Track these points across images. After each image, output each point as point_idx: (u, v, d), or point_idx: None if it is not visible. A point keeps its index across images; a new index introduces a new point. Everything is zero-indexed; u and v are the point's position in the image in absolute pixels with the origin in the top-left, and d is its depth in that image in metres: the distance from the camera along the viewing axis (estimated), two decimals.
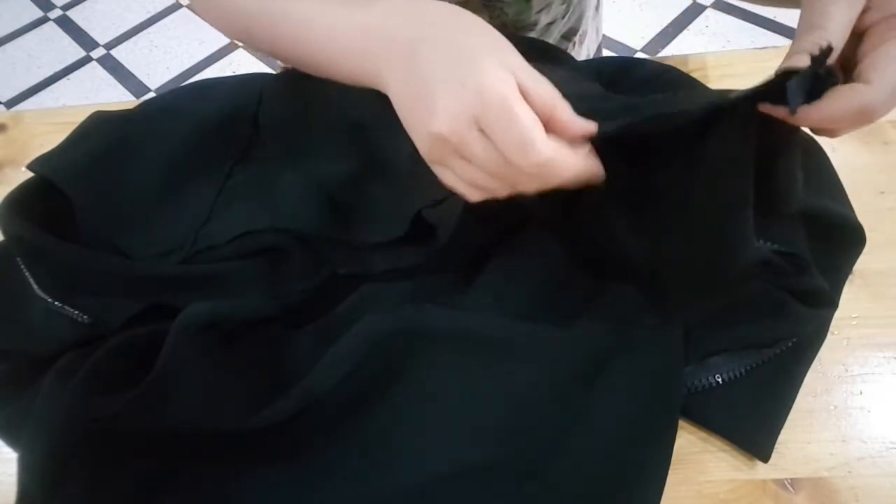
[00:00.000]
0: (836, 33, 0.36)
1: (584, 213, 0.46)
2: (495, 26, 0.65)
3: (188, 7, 2.39)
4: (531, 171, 0.37)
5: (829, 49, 0.35)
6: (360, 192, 0.53)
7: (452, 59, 0.37)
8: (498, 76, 0.36)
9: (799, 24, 0.37)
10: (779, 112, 0.36)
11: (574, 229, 0.48)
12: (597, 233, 0.47)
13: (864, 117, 0.34)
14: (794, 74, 0.35)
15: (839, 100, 0.35)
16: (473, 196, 0.41)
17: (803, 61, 0.35)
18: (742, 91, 0.36)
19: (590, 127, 0.38)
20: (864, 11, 0.36)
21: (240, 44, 2.23)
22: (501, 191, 0.39)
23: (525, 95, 0.36)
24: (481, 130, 0.36)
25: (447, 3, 0.41)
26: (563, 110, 0.37)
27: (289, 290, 0.52)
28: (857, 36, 0.37)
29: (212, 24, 0.54)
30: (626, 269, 0.48)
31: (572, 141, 0.38)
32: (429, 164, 0.42)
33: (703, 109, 0.37)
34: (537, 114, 0.36)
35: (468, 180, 0.40)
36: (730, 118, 0.37)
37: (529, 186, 0.39)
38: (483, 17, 0.63)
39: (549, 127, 0.37)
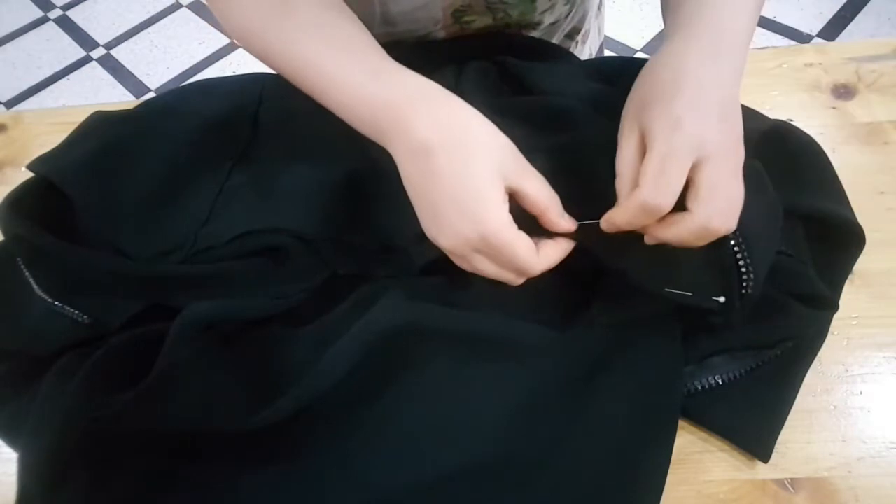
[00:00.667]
0: (625, 176, 0.43)
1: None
2: (499, 27, 0.65)
3: (188, 7, 2.39)
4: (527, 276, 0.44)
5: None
6: (360, 193, 0.53)
7: (460, 180, 0.42)
8: (500, 222, 0.41)
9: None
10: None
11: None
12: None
13: (648, 212, 0.40)
14: None
15: (626, 205, 0.42)
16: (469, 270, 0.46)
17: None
18: None
19: (571, 226, 0.45)
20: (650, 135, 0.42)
21: (240, 44, 2.23)
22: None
23: (523, 198, 0.43)
24: (482, 253, 0.43)
25: (461, 105, 0.44)
26: (555, 212, 0.44)
27: (289, 291, 0.52)
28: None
29: (230, 34, 0.55)
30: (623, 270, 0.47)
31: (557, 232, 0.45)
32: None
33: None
34: (531, 210, 0.44)
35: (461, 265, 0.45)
36: None
37: (519, 282, 0.45)
38: (487, 19, 0.63)
39: (541, 220, 0.44)
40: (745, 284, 0.44)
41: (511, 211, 0.42)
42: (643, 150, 0.42)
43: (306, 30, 0.48)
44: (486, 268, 0.44)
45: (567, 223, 0.44)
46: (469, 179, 0.42)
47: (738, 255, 0.44)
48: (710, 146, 0.40)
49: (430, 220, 0.44)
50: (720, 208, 0.40)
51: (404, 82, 0.46)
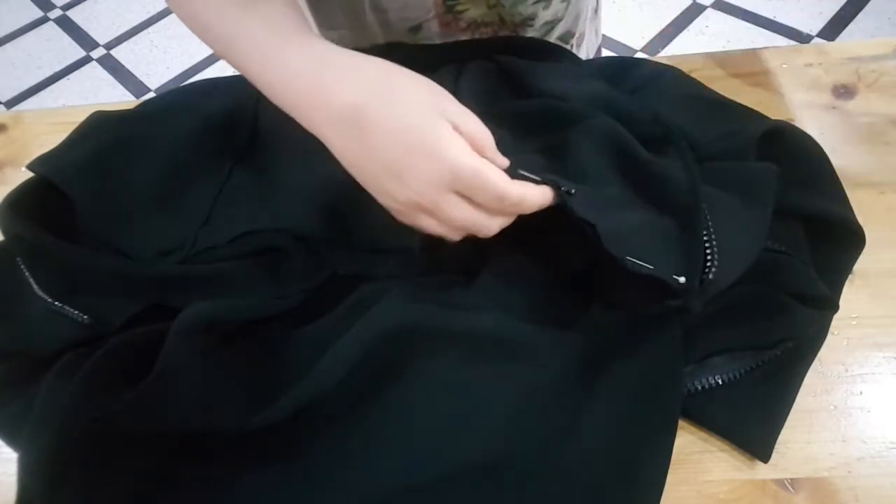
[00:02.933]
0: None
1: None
2: (493, 19, 0.65)
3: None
4: (508, 212, 0.42)
5: None
6: (360, 193, 0.53)
7: (404, 128, 0.39)
8: (457, 145, 0.40)
9: None
10: None
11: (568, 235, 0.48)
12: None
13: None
14: None
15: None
16: (449, 235, 0.44)
17: None
18: None
19: (504, 162, 0.43)
20: None
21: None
22: (473, 233, 0.44)
23: (462, 136, 0.41)
24: (457, 194, 0.40)
25: (374, 60, 0.42)
26: (491, 149, 0.42)
27: (289, 291, 0.52)
28: None
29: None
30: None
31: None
32: (396, 216, 0.44)
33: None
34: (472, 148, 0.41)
35: (447, 226, 0.43)
36: None
37: (505, 224, 0.44)
38: (480, 8, 0.63)
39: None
40: (707, 269, 0.44)
41: None
42: None
43: (230, 8, 0.46)
44: (459, 212, 0.41)
45: (503, 159, 0.43)
46: (413, 123, 0.39)
47: (706, 241, 0.44)
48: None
49: (388, 182, 0.41)
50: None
51: (311, 49, 0.43)
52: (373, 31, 0.66)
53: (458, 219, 0.42)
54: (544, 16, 0.67)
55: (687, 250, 0.45)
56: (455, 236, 0.44)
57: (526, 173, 0.44)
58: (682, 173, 0.49)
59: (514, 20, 0.66)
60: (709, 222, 0.46)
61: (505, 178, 0.41)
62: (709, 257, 0.45)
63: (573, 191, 0.44)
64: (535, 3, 0.65)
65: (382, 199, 0.43)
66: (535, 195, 0.43)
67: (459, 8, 0.63)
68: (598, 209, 0.45)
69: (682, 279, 0.44)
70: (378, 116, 0.40)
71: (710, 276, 0.44)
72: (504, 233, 0.50)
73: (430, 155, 0.39)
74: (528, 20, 0.67)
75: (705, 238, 0.45)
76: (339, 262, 0.53)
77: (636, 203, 0.49)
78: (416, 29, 0.66)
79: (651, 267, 0.43)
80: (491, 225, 0.43)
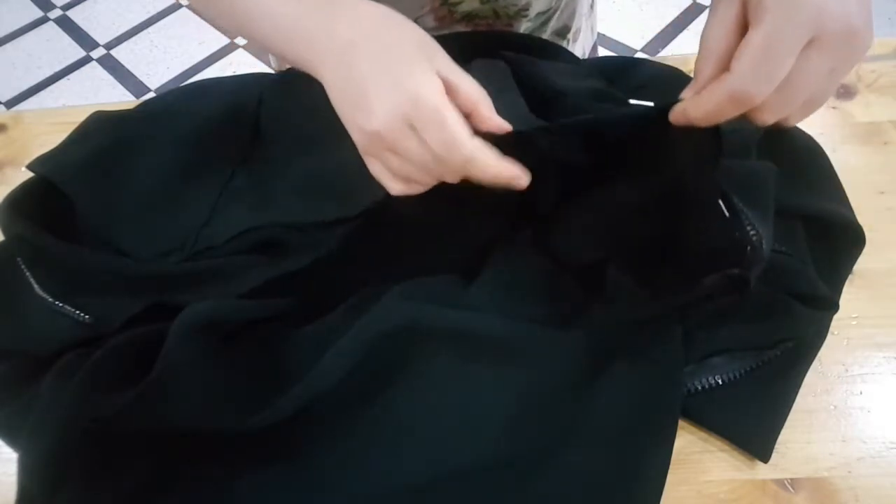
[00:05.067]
0: (715, 42, 0.38)
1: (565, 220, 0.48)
2: (487, 13, 0.65)
3: (188, 7, 2.39)
4: (455, 165, 0.41)
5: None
6: (355, 179, 0.53)
7: (386, 62, 0.40)
8: (429, 81, 0.40)
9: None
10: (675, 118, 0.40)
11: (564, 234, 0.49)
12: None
13: (736, 102, 0.36)
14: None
15: (710, 92, 0.37)
16: (395, 188, 0.44)
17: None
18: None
19: (504, 125, 0.42)
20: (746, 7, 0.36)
21: (240, 44, 2.23)
22: (425, 183, 0.43)
23: (453, 92, 0.41)
24: (413, 129, 0.40)
25: (380, 6, 0.43)
26: (485, 106, 0.42)
27: (289, 291, 0.52)
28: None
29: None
30: (624, 266, 0.48)
31: (493, 133, 0.42)
32: (362, 155, 0.44)
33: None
34: (462, 107, 0.41)
35: (396, 171, 0.43)
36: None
37: (453, 179, 0.43)
38: (473, 4, 0.63)
39: (471, 119, 0.41)
40: (756, 244, 0.42)
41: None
42: (742, 23, 0.36)
43: None
44: (414, 153, 0.40)
45: (500, 122, 0.42)
46: (396, 56, 0.40)
47: (749, 227, 0.43)
48: (830, 27, 0.34)
49: (360, 113, 0.41)
50: (792, 100, 0.35)
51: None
52: None
53: (410, 155, 0.41)
54: (538, 6, 0.67)
55: (732, 239, 0.43)
56: (397, 188, 0.44)
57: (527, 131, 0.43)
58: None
59: (508, 13, 0.66)
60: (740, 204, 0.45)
61: (464, 127, 0.40)
62: (752, 233, 0.43)
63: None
64: None
65: (354, 134, 0.43)
66: (490, 165, 0.41)
67: (454, 1, 0.63)
68: None
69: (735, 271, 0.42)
70: (366, 51, 0.41)
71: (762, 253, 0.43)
72: (504, 233, 0.50)
73: (400, 82, 0.39)
74: (522, 11, 0.67)
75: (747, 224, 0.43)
76: (335, 258, 0.53)
77: None
78: None
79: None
80: (431, 173, 0.42)
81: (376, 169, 0.44)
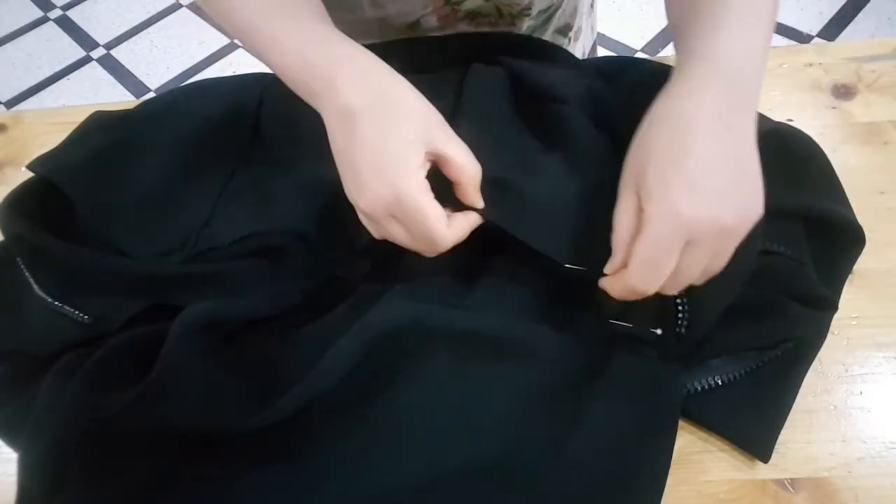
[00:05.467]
0: (620, 243, 0.43)
1: None
2: (489, 9, 0.65)
3: (188, 7, 2.39)
4: (432, 249, 0.45)
5: None
6: None
7: (380, 152, 0.42)
8: (417, 185, 0.42)
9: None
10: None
11: None
12: None
13: (634, 293, 0.42)
14: None
15: (616, 282, 0.44)
16: (378, 237, 0.47)
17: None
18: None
19: (479, 203, 0.46)
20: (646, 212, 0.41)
21: (240, 44, 2.23)
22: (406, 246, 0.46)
23: (446, 164, 0.44)
24: (396, 218, 0.43)
25: (381, 65, 0.46)
26: (472, 186, 0.45)
27: (288, 290, 0.52)
28: None
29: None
30: None
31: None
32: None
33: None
34: (452, 177, 0.45)
35: (380, 234, 0.46)
36: None
37: (433, 254, 0.46)
38: (476, 2, 0.63)
39: (457, 188, 0.45)
40: (679, 324, 0.46)
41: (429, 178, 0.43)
42: (639, 210, 0.41)
43: None
44: (398, 235, 0.44)
45: (480, 201, 0.46)
46: (389, 143, 0.42)
47: (677, 299, 0.46)
48: (703, 232, 0.39)
49: (351, 182, 0.44)
50: (680, 284, 0.42)
51: (335, 47, 0.46)
52: (370, 27, 0.66)
53: (395, 238, 0.45)
54: (540, 3, 0.67)
55: (659, 304, 0.45)
56: (381, 239, 0.47)
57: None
58: None
59: (511, 11, 0.66)
60: None
61: (443, 224, 0.44)
62: (679, 308, 0.46)
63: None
64: None
65: (347, 193, 0.45)
66: (466, 230, 0.46)
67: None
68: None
69: (658, 331, 0.46)
70: (365, 127, 0.43)
71: (683, 330, 0.46)
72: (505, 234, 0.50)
73: (386, 178, 0.42)
74: (525, 10, 0.67)
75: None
76: (338, 263, 0.53)
77: None
78: (415, 25, 0.66)
79: (630, 325, 0.46)
80: (426, 254, 0.46)
81: (364, 220, 0.46)
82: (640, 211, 0.41)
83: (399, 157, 0.42)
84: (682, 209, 0.39)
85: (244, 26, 0.49)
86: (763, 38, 0.44)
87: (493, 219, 0.47)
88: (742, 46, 0.42)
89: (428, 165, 0.44)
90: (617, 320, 0.47)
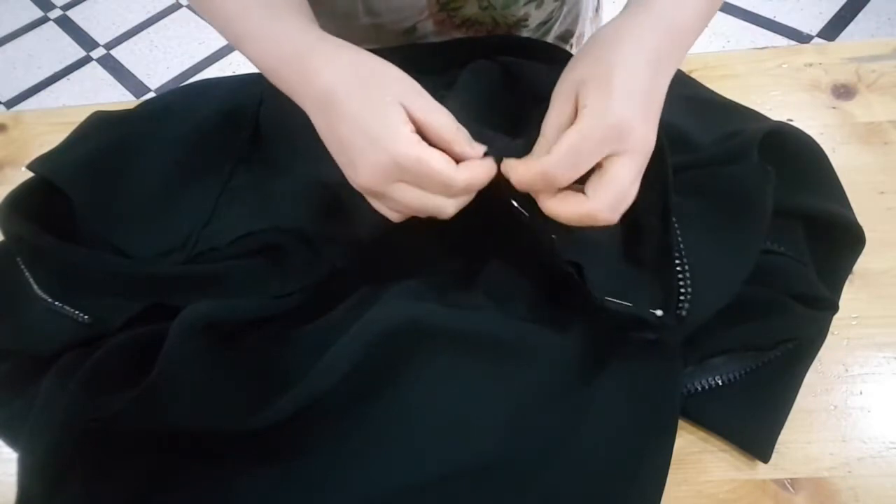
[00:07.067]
0: (551, 130, 0.43)
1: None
2: (485, 18, 0.65)
3: (188, 7, 2.39)
4: (459, 193, 0.43)
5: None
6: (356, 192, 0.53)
7: (363, 120, 0.42)
8: (407, 139, 0.41)
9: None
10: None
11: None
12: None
13: (544, 180, 0.41)
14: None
15: (527, 165, 0.42)
16: (395, 218, 0.46)
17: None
18: None
19: (479, 150, 0.44)
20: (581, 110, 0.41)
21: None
22: (425, 213, 0.44)
23: (428, 130, 0.42)
24: (402, 181, 0.42)
25: (361, 51, 0.45)
26: (461, 142, 0.43)
27: (289, 288, 0.52)
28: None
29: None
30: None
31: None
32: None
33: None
34: (435, 144, 0.42)
35: (394, 209, 0.45)
36: None
37: (454, 205, 0.44)
38: (473, 7, 0.63)
39: (451, 153, 0.43)
40: (680, 306, 0.45)
41: None
42: (573, 115, 0.42)
43: None
44: (410, 198, 0.43)
45: (478, 149, 0.44)
46: (371, 112, 0.42)
47: (680, 278, 0.45)
48: (629, 143, 0.41)
49: (346, 162, 0.43)
50: (612, 203, 0.41)
51: (307, 34, 0.46)
52: (367, 33, 0.66)
53: (409, 205, 0.43)
54: (538, 16, 0.67)
55: (662, 281, 0.45)
56: (399, 217, 0.45)
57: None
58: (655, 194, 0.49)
59: (508, 21, 0.66)
60: (682, 250, 0.46)
61: (449, 165, 0.42)
62: (682, 289, 0.45)
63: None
64: (526, 3, 0.65)
65: (348, 178, 0.45)
66: (481, 173, 0.44)
67: (454, 5, 0.63)
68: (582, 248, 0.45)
69: (658, 312, 0.45)
70: (341, 103, 0.42)
71: (684, 311, 0.45)
72: (504, 234, 0.50)
73: (378, 143, 0.41)
74: (522, 21, 0.67)
75: (678, 268, 0.45)
76: (338, 262, 0.53)
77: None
78: (411, 30, 0.66)
79: (630, 305, 0.45)
80: (446, 207, 0.44)
81: (375, 204, 0.45)
82: (573, 112, 0.42)
83: (384, 122, 0.41)
84: (618, 109, 0.40)
85: (225, 21, 0.49)
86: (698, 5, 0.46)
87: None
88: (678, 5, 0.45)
89: (411, 124, 0.42)
90: (616, 299, 0.45)
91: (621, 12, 0.47)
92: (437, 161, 0.41)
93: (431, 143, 0.42)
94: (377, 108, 0.42)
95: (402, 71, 0.44)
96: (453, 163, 0.42)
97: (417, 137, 0.42)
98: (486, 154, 0.44)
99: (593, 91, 0.41)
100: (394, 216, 0.45)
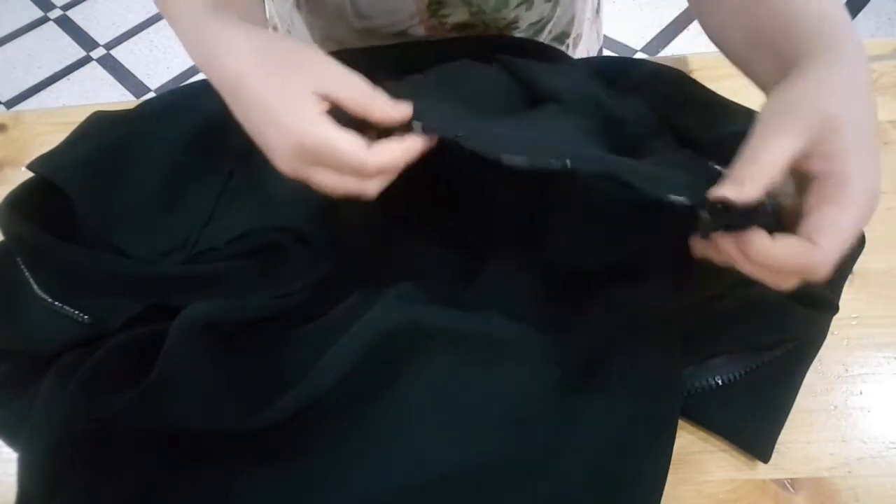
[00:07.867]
0: (767, 167, 0.36)
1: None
2: (476, 24, 0.65)
3: None
4: (371, 176, 0.42)
5: (729, 206, 0.35)
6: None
7: (269, 105, 0.41)
8: (311, 122, 0.40)
9: (744, 144, 0.38)
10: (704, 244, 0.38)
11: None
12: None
13: (805, 273, 0.36)
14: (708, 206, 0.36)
15: (790, 248, 0.35)
16: (335, 195, 0.44)
17: (730, 192, 0.35)
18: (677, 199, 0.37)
19: (405, 109, 0.42)
20: (808, 156, 0.36)
21: None
22: (358, 191, 0.43)
23: (344, 103, 0.41)
24: (317, 164, 0.41)
25: (266, 33, 0.44)
26: (377, 107, 0.42)
27: (289, 288, 0.52)
28: (801, 174, 0.37)
29: None
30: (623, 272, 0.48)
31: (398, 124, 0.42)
32: None
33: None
34: (354, 114, 0.41)
35: (326, 189, 0.43)
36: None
37: (375, 186, 0.43)
38: (463, 13, 0.63)
39: (374, 122, 0.42)
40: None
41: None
42: (794, 161, 0.36)
43: None
44: (329, 181, 0.42)
45: (401, 109, 0.42)
46: (277, 96, 0.41)
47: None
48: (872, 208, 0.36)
49: (266, 149, 0.43)
50: (836, 257, 0.36)
51: (220, 25, 0.45)
52: (358, 37, 0.66)
53: (329, 188, 0.42)
54: (528, 17, 0.67)
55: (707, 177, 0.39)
56: (341, 195, 0.43)
57: (420, 125, 0.42)
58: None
59: (498, 25, 0.66)
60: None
61: (357, 147, 0.40)
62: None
63: (461, 133, 0.42)
64: (517, 6, 0.65)
65: (273, 162, 0.44)
66: (397, 153, 0.41)
67: (443, 12, 0.63)
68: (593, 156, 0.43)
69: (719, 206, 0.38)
70: (246, 87, 0.42)
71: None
72: (503, 234, 0.50)
73: (286, 128, 0.40)
74: (512, 24, 0.66)
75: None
76: (337, 262, 0.53)
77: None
78: (402, 34, 0.66)
79: (683, 198, 0.38)
80: (366, 189, 0.42)
81: (314, 188, 0.44)
82: (796, 161, 0.36)
83: (291, 105, 0.41)
84: (875, 183, 0.35)
85: (174, 12, 0.48)
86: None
87: (467, 144, 0.41)
88: (847, 26, 0.40)
89: (326, 107, 0.41)
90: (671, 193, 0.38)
91: (813, 63, 0.39)
92: (343, 143, 0.40)
93: (354, 118, 0.41)
94: (282, 93, 0.41)
95: (318, 51, 0.43)
96: (364, 145, 0.40)
97: (325, 119, 0.40)
98: (413, 124, 0.42)
99: (853, 152, 0.35)
100: (334, 195, 0.44)
